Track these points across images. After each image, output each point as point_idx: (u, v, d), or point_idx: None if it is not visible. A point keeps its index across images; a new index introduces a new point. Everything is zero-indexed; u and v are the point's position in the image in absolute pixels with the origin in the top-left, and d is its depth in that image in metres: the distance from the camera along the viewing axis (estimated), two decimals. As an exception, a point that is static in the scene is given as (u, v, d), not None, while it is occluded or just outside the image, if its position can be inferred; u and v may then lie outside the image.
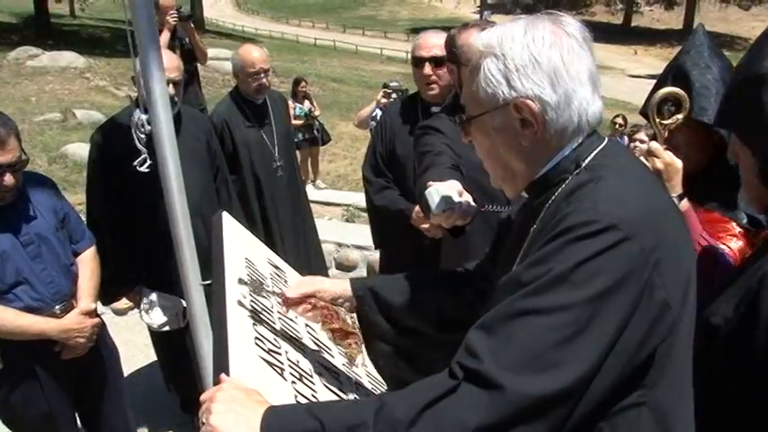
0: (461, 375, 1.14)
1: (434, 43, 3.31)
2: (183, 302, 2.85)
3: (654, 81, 2.38)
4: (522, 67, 1.30)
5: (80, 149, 9.77)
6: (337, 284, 1.83)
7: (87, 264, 2.97)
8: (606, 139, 1.40)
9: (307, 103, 10.35)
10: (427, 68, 3.33)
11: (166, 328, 3.63)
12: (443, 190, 1.81)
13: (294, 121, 8.59)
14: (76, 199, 7.25)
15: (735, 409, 1.49)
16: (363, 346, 1.85)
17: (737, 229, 2.13)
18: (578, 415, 1.14)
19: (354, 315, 1.85)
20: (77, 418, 3.10)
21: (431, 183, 1.92)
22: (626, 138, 10.25)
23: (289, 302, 1.79)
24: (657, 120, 2.10)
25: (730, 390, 1.50)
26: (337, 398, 1.66)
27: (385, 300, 1.80)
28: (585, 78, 1.31)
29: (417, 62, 3.38)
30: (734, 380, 1.49)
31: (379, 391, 1.91)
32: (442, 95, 3.38)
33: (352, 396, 1.75)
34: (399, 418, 1.13)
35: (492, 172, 1.48)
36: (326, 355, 1.86)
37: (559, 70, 1.29)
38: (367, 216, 4.30)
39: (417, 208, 3.21)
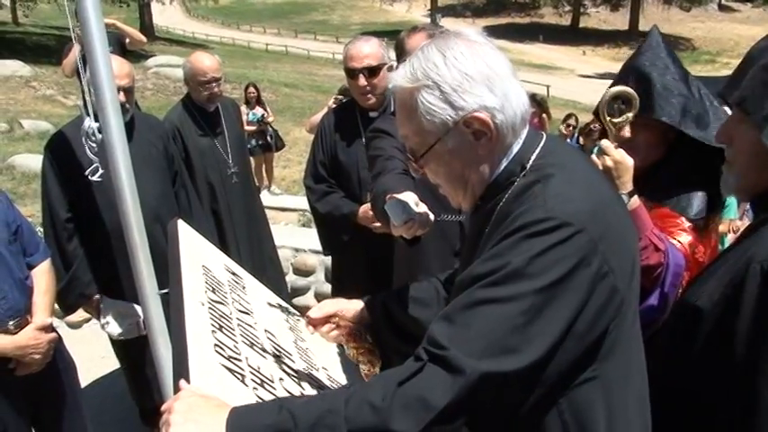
0: (426, 358, 1.22)
1: (366, 53, 3.30)
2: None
3: (603, 80, 2.44)
4: (458, 86, 1.34)
5: (28, 160, 9.53)
6: (356, 304, 1.87)
7: (42, 277, 2.89)
8: (543, 135, 1.46)
9: (259, 108, 10.29)
10: (362, 80, 3.31)
11: (126, 337, 3.56)
12: (403, 202, 1.85)
13: (247, 127, 8.52)
14: (26, 211, 7.08)
15: (717, 390, 1.53)
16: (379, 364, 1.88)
17: (687, 224, 2.20)
18: (537, 393, 1.25)
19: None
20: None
21: (390, 196, 1.96)
22: (579, 137, 10.39)
23: (313, 322, 1.84)
24: (608, 118, 2.15)
25: (712, 372, 1.54)
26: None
27: (396, 315, 1.83)
28: (510, 74, 1.38)
29: (351, 73, 3.35)
30: (716, 363, 1.52)
31: None
32: (380, 102, 3.43)
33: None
34: (372, 400, 1.19)
35: (452, 194, 1.52)
36: (287, 360, 1.87)
37: (490, 75, 1.35)
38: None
39: (364, 207, 3.26)
